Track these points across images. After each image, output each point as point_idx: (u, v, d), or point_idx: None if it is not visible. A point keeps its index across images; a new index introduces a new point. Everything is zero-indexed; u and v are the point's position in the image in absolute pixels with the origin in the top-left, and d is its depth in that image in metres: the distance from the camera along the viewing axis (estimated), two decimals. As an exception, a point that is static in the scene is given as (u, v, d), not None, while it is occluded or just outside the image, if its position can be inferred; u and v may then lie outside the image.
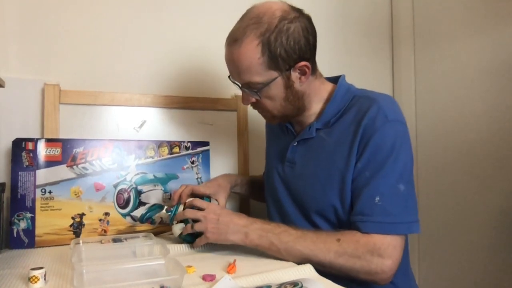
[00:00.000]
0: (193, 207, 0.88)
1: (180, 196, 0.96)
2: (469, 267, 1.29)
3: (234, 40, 0.80)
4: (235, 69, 0.83)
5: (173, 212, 0.93)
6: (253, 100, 0.87)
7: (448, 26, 1.38)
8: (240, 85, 0.86)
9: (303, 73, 0.83)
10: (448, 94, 1.38)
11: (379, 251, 0.73)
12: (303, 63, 0.81)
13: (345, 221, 0.81)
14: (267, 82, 0.81)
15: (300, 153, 0.91)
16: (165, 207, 1.00)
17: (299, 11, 0.82)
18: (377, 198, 0.75)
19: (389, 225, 0.74)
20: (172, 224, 0.91)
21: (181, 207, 0.93)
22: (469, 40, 1.30)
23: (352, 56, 1.52)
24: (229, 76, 0.88)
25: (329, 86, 0.91)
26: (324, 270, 0.74)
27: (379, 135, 0.77)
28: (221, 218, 0.82)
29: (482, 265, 1.25)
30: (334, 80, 0.92)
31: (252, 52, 0.78)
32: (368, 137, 0.78)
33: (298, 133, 0.93)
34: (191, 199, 0.94)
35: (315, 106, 0.90)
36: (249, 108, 1.29)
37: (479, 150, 1.26)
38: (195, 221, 0.85)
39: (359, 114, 0.82)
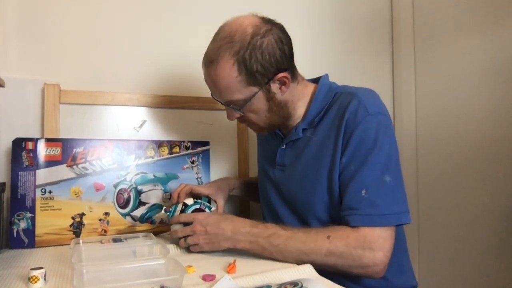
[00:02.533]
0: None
1: (178, 195, 0.96)
2: (469, 268, 1.29)
3: (209, 61, 0.81)
4: (216, 89, 0.84)
5: (172, 212, 0.93)
6: (237, 115, 0.88)
7: (448, 26, 1.38)
8: (222, 103, 0.87)
9: (282, 83, 0.84)
10: (448, 94, 1.38)
11: (369, 244, 0.73)
12: (281, 74, 0.82)
13: (337, 218, 0.82)
14: (248, 98, 0.82)
15: (289, 155, 0.92)
16: (164, 207, 1.01)
17: (270, 23, 0.82)
18: (363, 191, 0.76)
19: (377, 217, 0.74)
20: (171, 224, 0.91)
21: (179, 207, 0.93)
22: (469, 40, 1.30)
23: (352, 56, 1.52)
24: (212, 94, 0.88)
25: (311, 87, 0.92)
26: (317, 267, 0.75)
27: (361, 129, 0.78)
28: (208, 228, 0.81)
29: (483, 266, 1.25)
30: (318, 80, 0.93)
31: (228, 72, 0.79)
32: (350, 131, 0.79)
33: (286, 136, 0.94)
34: (189, 198, 0.94)
35: (299, 110, 0.90)
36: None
37: (479, 150, 1.26)
38: None
39: (340, 110, 0.82)
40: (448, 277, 1.37)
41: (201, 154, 1.14)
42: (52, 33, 1.09)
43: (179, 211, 0.91)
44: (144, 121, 1.18)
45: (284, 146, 0.92)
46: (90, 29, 1.13)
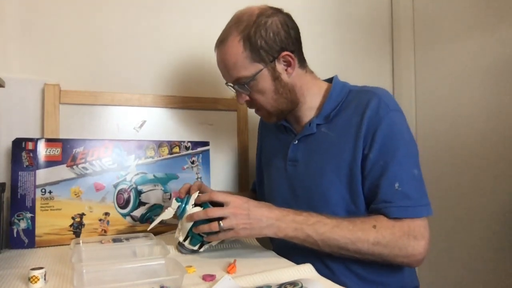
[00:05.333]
0: (210, 203, 0.80)
1: (188, 190, 0.89)
2: (470, 268, 1.29)
3: (220, 41, 0.87)
4: (225, 68, 0.87)
5: (187, 199, 0.83)
6: (246, 97, 0.89)
7: (448, 26, 1.38)
8: (232, 86, 0.89)
9: (288, 64, 0.86)
10: (448, 94, 1.38)
11: (413, 233, 0.75)
12: (285, 53, 0.85)
13: (353, 213, 0.82)
14: (253, 75, 0.84)
15: (302, 151, 0.92)
16: (175, 198, 0.86)
17: (277, 10, 0.87)
18: (396, 185, 0.78)
19: (412, 208, 0.77)
20: (181, 218, 0.82)
21: (195, 194, 0.83)
22: (469, 40, 1.30)
23: (352, 56, 1.52)
24: (226, 83, 0.91)
25: (323, 84, 0.94)
26: (360, 257, 0.77)
27: (386, 125, 0.80)
28: (251, 212, 0.77)
29: (483, 266, 1.25)
30: (328, 81, 0.95)
31: (235, 48, 0.83)
32: (374, 128, 0.80)
33: (298, 131, 0.94)
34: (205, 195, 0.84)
35: (309, 100, 0.92)
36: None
37: (479, 150, 1.26)
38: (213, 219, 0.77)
39: (360, 106, 0.84)
40: (449, 276, 1.36)
41: (201, 154, 1.14)
42: (52, 33, 1.09)
43: (194, 198, 0.83)
44: (144, 121, 1.18)
45: (297, 141, 0.92)
46: (90, 29, 1.13)
